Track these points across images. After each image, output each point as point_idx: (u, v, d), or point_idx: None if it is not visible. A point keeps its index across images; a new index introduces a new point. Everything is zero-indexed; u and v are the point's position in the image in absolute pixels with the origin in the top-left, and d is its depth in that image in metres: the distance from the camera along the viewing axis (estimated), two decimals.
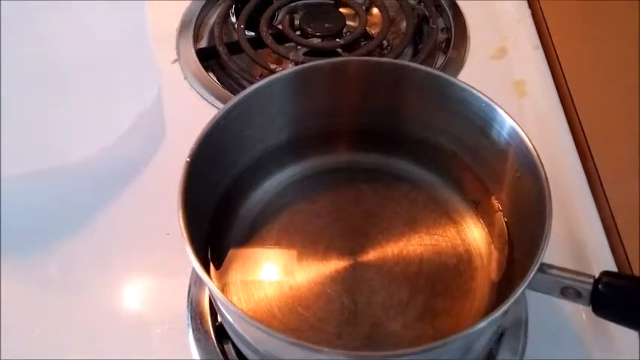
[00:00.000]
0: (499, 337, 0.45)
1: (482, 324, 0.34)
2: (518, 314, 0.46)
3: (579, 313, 0.47)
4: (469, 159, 0.47)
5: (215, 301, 0.43)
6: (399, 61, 0.46)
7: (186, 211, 0.38)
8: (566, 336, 0.47)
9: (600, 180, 0.55)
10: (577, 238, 0.51)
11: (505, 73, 0.64)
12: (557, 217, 0.51)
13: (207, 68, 0.64)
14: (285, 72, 0.45)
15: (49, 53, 0.52)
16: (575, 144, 0.58)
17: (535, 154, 0.39)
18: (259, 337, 0.38)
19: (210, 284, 0.36)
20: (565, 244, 0.50)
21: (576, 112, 0.60)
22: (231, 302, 0.36)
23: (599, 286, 0.36)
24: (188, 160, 0.40)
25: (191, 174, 0.40)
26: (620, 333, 0.45)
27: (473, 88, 0.43)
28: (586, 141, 0.58)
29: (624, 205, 0.51)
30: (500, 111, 0.42)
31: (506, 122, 0.42)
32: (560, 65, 0.64)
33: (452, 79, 0.44)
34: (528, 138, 0.40)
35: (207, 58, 0.65)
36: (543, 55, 0.66)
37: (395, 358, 0.34)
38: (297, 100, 0.48)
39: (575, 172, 0.56)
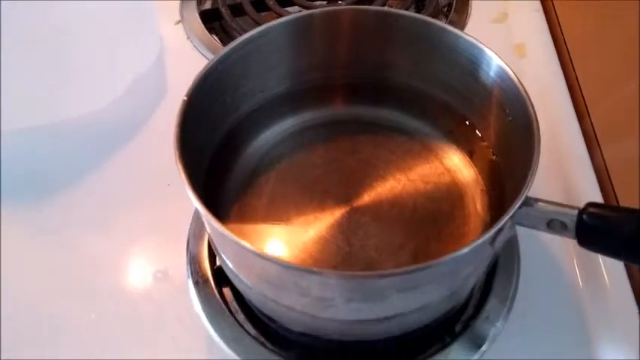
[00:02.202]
0: (490, 277, 0.46)
1: (465, 250, 0.34)
2: (510, 257, 0.47)
3: (569, 252, 0.49)
4: (462, 107, 0.48)
5: (211, 239, 0.43)
6: (391, 9, 0.47)
7: (182, 147, 0.38)
8: (557, 274, 0.48)
9: (597, 138, 0.55)
10: (570, 189, 0.52)
11: (506, 36, 0.65)
12: (553, 173, 0.52)
13: (210, 30, 0.65)
14: (280, 20, 0.46)
15: (53, 10, 0.53)
16: (573, 104, 0.59)
17: (521, 88, 0.39)
18: (252, 266, 0.39)
19: (203, 209, 0.36)
20: (558, 192, 0.51)
21: (575, 73, 0.61)
22: (226, 228, 0.35)
23: (584, 216, 0.35)
24: (185, 98, 0.41)
25: (188, 114, 0.40)
26: (607, 266, 0.47)
27: (462, 32, 0.44)
28: (584, 101, 0.58)
29: (620, 162, 0.52)
30: (487, 51, 0.42)
31: (493, 62, 0.42)
32: (561, 28, 0.65)
33: (441, 24, 0.44)
34: (514, 74, 0.40)
35: (211, 20, 0.66)
36: (544, 18, 0.66)
37: (378, 279, 0.35)
38: (294, 50, 0.48)
39: (572, 131, 0.57)
